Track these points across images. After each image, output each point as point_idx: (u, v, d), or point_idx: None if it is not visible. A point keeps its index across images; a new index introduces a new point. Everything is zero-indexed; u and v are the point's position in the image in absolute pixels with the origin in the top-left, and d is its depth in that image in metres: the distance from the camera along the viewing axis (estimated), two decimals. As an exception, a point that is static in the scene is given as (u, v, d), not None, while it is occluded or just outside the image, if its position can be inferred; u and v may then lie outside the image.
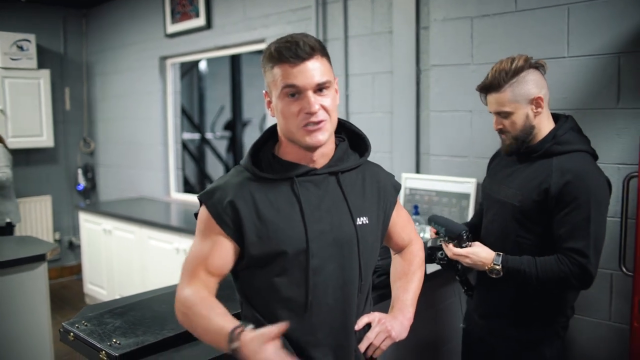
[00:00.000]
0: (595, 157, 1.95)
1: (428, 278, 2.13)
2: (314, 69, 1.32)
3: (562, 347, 2.04)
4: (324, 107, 1.34)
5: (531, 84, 1.87)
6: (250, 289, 1.45)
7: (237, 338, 1.21)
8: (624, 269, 2.30)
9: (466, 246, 1.95)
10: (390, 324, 1.51)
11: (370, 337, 1.48)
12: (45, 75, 5.67)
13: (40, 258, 3.03)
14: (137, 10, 5.44)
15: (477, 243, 1.96)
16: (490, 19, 2.75)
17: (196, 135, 7.22)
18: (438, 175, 3.09)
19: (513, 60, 1.88)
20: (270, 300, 1.41)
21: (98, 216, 5.02)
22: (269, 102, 1.41)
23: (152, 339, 1.72)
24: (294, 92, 1.32)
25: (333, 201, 1.42)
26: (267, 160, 1.43)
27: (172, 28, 4.97)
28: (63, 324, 1.85)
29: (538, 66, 1.91)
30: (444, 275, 2.55)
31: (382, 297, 2.01)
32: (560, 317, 1.98)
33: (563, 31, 2.51)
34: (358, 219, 1.44)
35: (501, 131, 1.96)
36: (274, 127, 1.46)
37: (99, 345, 1.68)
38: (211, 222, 1.39)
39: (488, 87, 1.92)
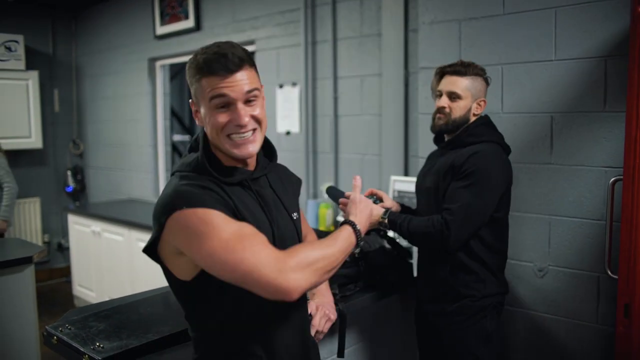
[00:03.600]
0: (505, 149, 2.21)
1: (403, 288, 2.17)
2: (242, 80, 1.32)
3: (500, 324, 2.24)
4: (253, 117, 1.35)
5: (483, 88, 2.21)
6: (216, 291, 1.36)
7: (353, 223, 1.45)
8: (609, 272, 2.31)
9: None
10: (327, 308, 1.72)
11: (315, 324, 1.67)
12: (33, 76, 5.64)
13: (27, 260, 3.01)
14: (127, 12, 5.42)
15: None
16: (478, 22, 2.75)
17: (187, 137, 7.20)
18: (426, 178, 3.08)
19: (477, 65, 2.20)
20: (238, 298, 1.34)
21: (87, 218, 5.00)
22: (196, 112, 1.40)
23: (136, 343, 1.71)
24: (223, 104, 1.32)
25: (273, 201, 1.48)
26: (214, 165, 1.40)
27: (161, 30, 4.96)
28: (47, 327, 1.84)
29: (487, 80, 2.23)
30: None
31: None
32: (493, 288, 2.16)
33: (550, 34, 2.51)
34: (293, 215, 1.54)
35: (442, 110, 2.18)
36: (205, 135, 1.43)
37: (82, 349, 1.67)
38: (213, 212, 1.26)
39: (456, 70, 2.16)
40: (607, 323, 2.42)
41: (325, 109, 3.80)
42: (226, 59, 1.30)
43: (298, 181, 1.71)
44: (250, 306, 1.37)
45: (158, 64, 5.30)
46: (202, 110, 1.36)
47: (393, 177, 3.25)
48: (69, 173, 6.15)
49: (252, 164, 1.47)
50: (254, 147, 1.37)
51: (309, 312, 1.65)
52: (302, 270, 1.24)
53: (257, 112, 1.35)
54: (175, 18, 4.81)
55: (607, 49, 2.37)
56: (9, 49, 5.46)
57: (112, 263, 4.74)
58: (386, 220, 2.15)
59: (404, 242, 2.66)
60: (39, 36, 5.91)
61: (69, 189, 6.15)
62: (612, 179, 2.29)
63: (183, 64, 6.49)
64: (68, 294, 5.51)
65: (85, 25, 6.03)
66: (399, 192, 3.18)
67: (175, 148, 6.33)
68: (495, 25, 2.69)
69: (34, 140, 5.70)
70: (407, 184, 3.16)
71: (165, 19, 4.91)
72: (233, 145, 1.35)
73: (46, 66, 5.95)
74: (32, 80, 5.63)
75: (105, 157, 5.97)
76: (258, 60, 4.10)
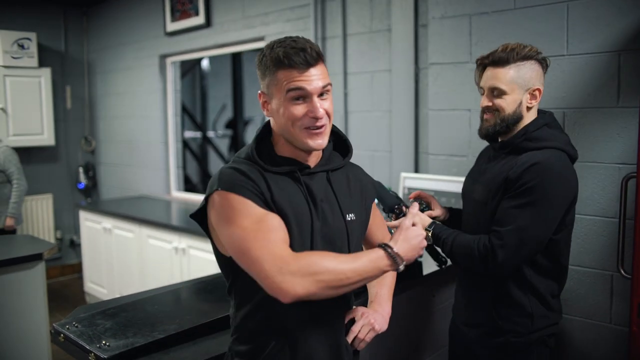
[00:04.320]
0: (571, 156, 1.85)
1: (423, 280, 2.12)
2: (318, 74, 1.37)
3: (550, 356, 1.95)
4: (325, 111, 1.39)
5: (535, 74, 1.83)
6: (252, 282, 1.37)
7: (390, 246, 1.34)
8: (622, 271, 2.27)
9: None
10: (373, 317, 1.58)
11: (355, 330, 1.55)
12: (46, 73, 5.67)
13: (37, 257, 3.03)
14: (137, 9, 5.43)
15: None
16: (489, 17, 2.71)
17: (198, 134, 7.21)
18: (437, 175, 3.06)
19: (525, 46, 1.83)
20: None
21: (98, 215, 5.02)
22: (265, 103, 1.44)
23: (142, 341, 1.70)
24: (299, 96, 1.36)
25: (326, 198, 1.47)
26: (267, 155, 1.45)
27: (171, 26, 4.96)
28: (54, 324, 1.84)
29: (542, 62, 1.86)
30: (440, 278, 2.53)
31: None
32: (542, 321, 1.86)
33: (562, 29, 2.48)
34: (347, 215, 1.50)
35: (488, 109, 1.87)
36: (268, 125, 1.49)
37: (88, 347, 1.66)
38: (246, 202, 1.32)
39: (495, 60, 1.84)
40: (621, 323, 2.38)
41: (335, 105, 3.77)
42: (305, 53, 1.34)
43: (372, 185, 1.67)
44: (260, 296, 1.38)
45: (169, 60, 5.30)
46: (275, 102, 1.39)
47: (403, 174, 3.23)
48: (80, 170, 6.18)
49: (314, 158, 1.48)
50: (324, 140, 1.42)
51: (353, 316, 1.57)
52: (302, 276, 1.25)
53: (328, 106, 1.40)
54: (186, 14, 4.80)
55: (620, 43, 2.32)
56: (21, 46, 5.48)
57: (122, 260, 4.76)
58: (429, 233, 1.93)
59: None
60: (51, 33, 5.94)
61: (81, 186, 6.19)
62: (625, 175, 2.25)
63: (194, 61, 6.53)
64: (80, 291, 5.54)
65: (97, 22, 6.05)
66: (409, 189, 3.15)
67: (186, 144, 6.34)
68: (506, 19, 2.66)
69: (46, 137, 5.73)
70: (418, 181, 3.13)
71: (176, 16, 4.91)
72: (309, 137, 1.38)
73: (58, 63, 5.98)
74: (44, 77, 5.66)
75: (117, 153, 5.99)
76: (268, 56, 4.08)
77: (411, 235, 1.37)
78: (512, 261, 1.76)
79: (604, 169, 2.40)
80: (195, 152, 7.09)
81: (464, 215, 2.07)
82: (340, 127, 3.71)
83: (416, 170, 3.30)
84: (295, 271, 1.25)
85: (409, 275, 2.43)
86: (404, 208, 2.04)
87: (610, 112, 2.37)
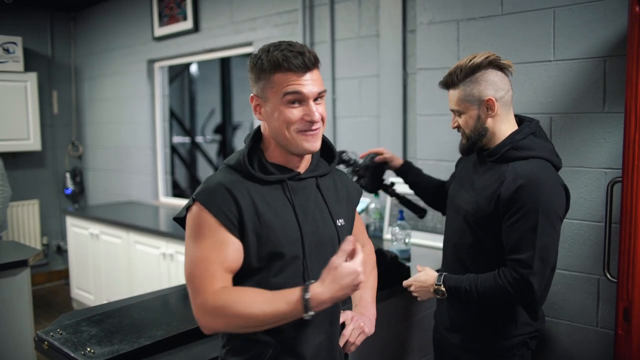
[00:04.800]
0: (555, 165, 1.85)
1: (405, 289, 2.12)
2: (315, 79, 1.38)
3: (532, 357, 1.96)
4: (320, 115, 1.40)
5: (485, 84, 1.81)
6: (240, 279, 1.41)
7: (308, 290, 1.27)
8: (608, 275, 2.28)
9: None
10: (362, 321, 1.61)
11: (346, 334, 1.57)
12: (32, 78, 5.62)
13: (22, 263, 2.99)
14: (125, 13, 5.41)
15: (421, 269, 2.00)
16: (477, 22, 2.73)
17: (186, 139, 7.18)
18: (425, 180, 3.05)
19: (472, 58, 1.82)
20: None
21: (85, 220, 4.97)
22: (258, 106, 1.43)
23: (127, 348, 1.68)
24: (295, 100, 1.36)
25: (316, 204, 1.48)
26: (258, 162, 1.44)
27: (159, 31, 4.94)
28: (37, 332, 1.82)
29: (502, 67, 1.84)
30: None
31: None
32: (525, 328, 1.88)
33: (549, 35, 2.49)
34: (338, 221, 1.51)
35: (457, 129, 1.93)
36: (258, 130, 1.49)
37: (72, 355, 1.65)
38: (215, 224, 1.34)
39: (446, 84, 1.89)
40: (608, 326, 2.40)
41: (324, 111, 3.77)
42: (304, 57, 1.35)
43: (357, 191, 1.67)
44: None
45: (157, 65, 5.28)
46: (270, 105, 1.39)
47: (391, 179, 3.22)
48: (67, 175, 6.13)
49: (304, 164, 1.48)
50: (318, 143, 1.43)
51: (343, 320, 1.59)
52: (217, 316, 1.31)
53: (322, 111, 1.41)
54: (174, 19, 4.79)
55: (606, 50, 2.34)
56: (7, 50, 5.44)
57: (110, 266, 4.72)
58: (443, 287, 1.85)
59: (410, 196, 2.54)
60: (38, 38, 5.89)
61: (68, 191, 6.13)
62: (611, 180, 2.27)
63: (182, 66, 6.51)
64: (66, 297, 5.49)
65: (84, 27, 6.01)
66: (397, 194, 3.14)
67: (174, 150, 6.31)
68: (493, 25, 2.67)
69: (32, 142, 5.67)
70: (406, 186, 3.12)
71: (164, 21, 4.89)
72: (304, 139, 1.39)
73: (45, 68, 5.93)
74: (30, 82, 5.61)
75: (104, 159, 5.95)
76: (256, 61, 4.07)
77: (340, 275, 1.28)
78: (544, 284, 1.74)
79: (590, 174, 2.41)
80: (184, 158, 7.05)
81: (448, 217, 2.08)
82: (329, 132, 3.71)
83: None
84: (211, 310, 1.30)
85: (397, 281, 2.43)
86: (351, 155, 2.26)
87: (596, 117, 2.39)
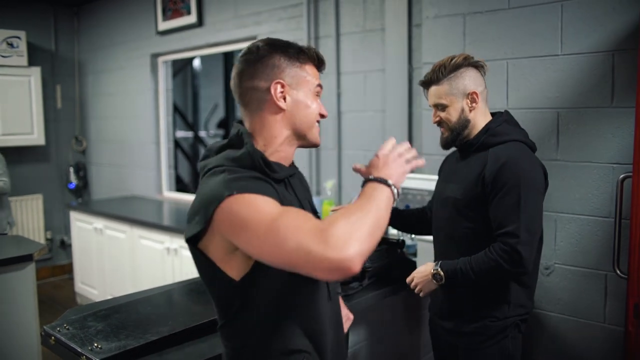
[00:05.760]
0: (531, 147, 1.99)
1: (406, 287, 2.12)
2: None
3: (522, 341, 2.04)
4: None
5: (468, 79, 1.97)
6: (266, 290, 1.31)
7: (378, 181, 1.25)
8: (618, 271, 2.27)
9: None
10: (346, 308, 1.72)
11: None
12: (36, 72, 5.61)
13: (27, 258, 2.98)
14: (129, 8, 5.39)
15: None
16: (483, 16, 2.71)
17: (190, 134, 7.17)
18: (431, 175, 3.04)
19: (453, 57, 1.98)
20: (289, 294, 1.33)
21: (89, 215, 4.97)
22: (283, 93, 1.37)
23: (134, 343, 1.68)
24: (318, 93, 1.44)
25: (304, 199, 1.48)
26: (260, 159, 1.36)
27: (163, 25, 4.93)
28: (44, 327, 1.82)
29: (477, 66, 2.01)
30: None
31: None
32: (517, 309, 1.98)
33: (556, 28, 2.47)
34: (316, 214, 1.52)
35: (439, 124, 2.04)
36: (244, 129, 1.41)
37: (79, 350, 1.64)
38: (271, 200, 1.21)
39: (428, 82, 2.01)
40: (615, 322, 2.38)
41: (329, 105, 3.76)
42: (323, 63, 1.46)
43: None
44: (291, 306, 1.36)
45: (160, 59, 5.27)
46: (300, 94, 1.40)
47: (397, 174, 3.21)
48: (71, 170, 6.13)
49: (289, 162, 1.48)
50: None
51: None
52: (353, 239, 1.08)
53: None
54: (178, 13, 4.77)
55: (615, 43, 2.32)
56: (11, 45, 5.43)
57: (114, 260, 4.72)
58: (441, 272, 1.94)
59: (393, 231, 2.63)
60: (41, 32, 5.87)
61: (72, 186, 6.13)
62: (621, 175, 2.25)
63: (185, 60, 6.49)
64: (70, 292, 5.49)
65: (88, 21, 6.00)
66: (403, 189, 3.13)
67: (177, 144, 6.30)
68: (500, 19, 2.65)
69: (36, 136, 5.67)
70: (411, 181, 3.11)
71: (168, 15, 4.87)
72: (317, 132, 1.45)
73: (48, 62, 5.92)
74: (34, 76, 5.60)
75: (108, 153, 5.94)
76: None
77: (398, 163, 1.31)
78: (531, 253, 1.84)
79: (598, 169, 2.40)
80: (187, 152, 7.05)
81: (435, 217, 2.16)
82: (334, 127, 3.70)
83: (410, 171, 3.29)
84: (344, 236, 1.08)
85: (399, 278, 2.42)
86: None
87: (604, 112, 2.37)
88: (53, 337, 1.76)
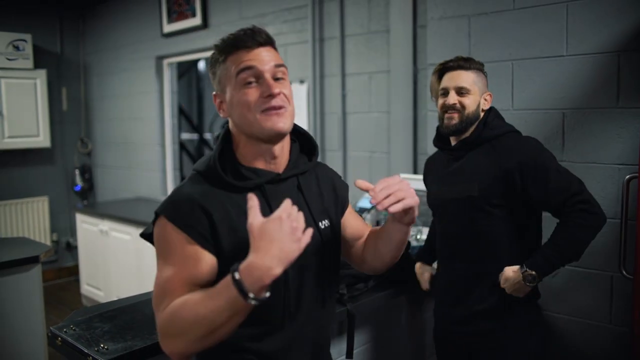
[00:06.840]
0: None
1: (412, 288, 2.11)
2: (269, 54, 1.28)
3: (545, 335, 2.04)
4: (283, 94, 1.27)
5: (485, 82, 2.05)
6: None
7: (237, 269, 1.06)
8: (624, 272, 2.26)
9: None
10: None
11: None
12: (41, 75, 5.63)
13: (33, 260, 2.99)
14: (134, 10, 5.41)
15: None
16: (488, 17, 2.71)
17: (195, 136, 7.18)
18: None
19: (476, 59, 2.05)
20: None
21: (95, 217, 4.99)
22: (221, 103, 1.33)
23: (141, 344, 1.68)
24: (251, 79, 1.26)
25: (304, 204, 1.36)
26: (231, 167, 1.31)
27: (168, 28, 4.95)
28: (51, 328, 1.82)
29: (486, 75, 2.08)
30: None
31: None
32: (537, 308, 2.01)
33: (562, 29, 2.47)
34: (320, 223, 1.39)
35: (454, 107, 1.99)
36: (227, 131, 1.36)
37: (86, 351, 1.64)
38: (183, 240, 1.21)
39: (458, 65, 2.01)
40: (621, 323, 2.37)
41: (333, 107, 3.77)
42: (253, 33, 1.27)
43: (344, 185, 1.55)
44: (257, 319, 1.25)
45: (165, 62, 5.28)
46: (228, 94, 1.29)
47: (402, 175, 3.21)
48: (77, 172, 6.15)
49: (281, 163, 1.35)
50: (284, 124, 1.26)
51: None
52: (171, 332, 1.16)
53: (286, 90, 1.28)
54: (183, 16, 4.79)
55: (620, 44, 2.32)
56: (17, 48, 5.45)
57: (119, 262, 4.73)
58: (534, 272, 1.87)
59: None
60: (47, 35, 5.90)
61: (77, 188, 6.15)
62: (627, 176, 2.25)
63: (191, 62, 6.51)
64: (76, 293, 5.51)
65: (93, 24, 6.02)
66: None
67: (183, 146, 6.31)
68: (505, 20, 2.65)
69: (42, 139, 5.69)
70: (416, 182, 3.11)
71: (173, 17, 4.89)
72: (267, 119, 1.24)
73: (54, 65, 5.94)
74: (40, 79, 5.63)
75: (113, 155, 5.96)
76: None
77: (266, 231, 1.08)
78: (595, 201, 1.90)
79: (604, 170, 2.39)
80: (192, 154, 7.05)
81: (441, 220, 2.13)
82: (339, 128, 3.71)
83: (415, 172, 3.29)
84: (164, 327, 1.18)
85: (404, 278, 2.42)
86: None
87: (609, 112, 2.37)
88: (60, 338, 1.76)
